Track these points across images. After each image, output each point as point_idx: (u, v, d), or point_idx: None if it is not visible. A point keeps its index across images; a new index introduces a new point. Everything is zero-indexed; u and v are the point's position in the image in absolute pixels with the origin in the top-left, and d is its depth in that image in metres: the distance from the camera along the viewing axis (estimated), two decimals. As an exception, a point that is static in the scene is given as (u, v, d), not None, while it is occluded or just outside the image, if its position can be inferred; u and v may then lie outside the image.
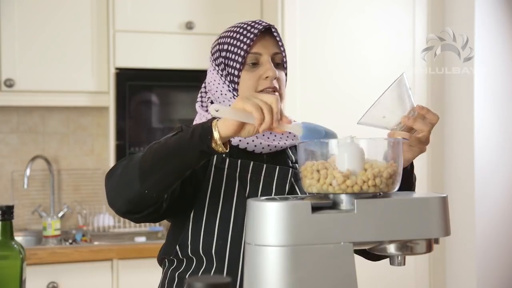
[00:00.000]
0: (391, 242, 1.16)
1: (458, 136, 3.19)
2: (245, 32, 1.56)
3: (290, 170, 1.58)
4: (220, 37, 1.61)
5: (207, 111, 1.63)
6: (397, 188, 1.19)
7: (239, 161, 1.56)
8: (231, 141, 1.53)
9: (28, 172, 3.24)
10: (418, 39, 3.22)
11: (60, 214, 3.31)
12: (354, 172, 1.14)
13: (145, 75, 3.23)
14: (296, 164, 1.61)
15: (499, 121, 3.18)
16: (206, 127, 1.31)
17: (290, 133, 1.61)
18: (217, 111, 1.28)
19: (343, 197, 1.15)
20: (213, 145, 1.30)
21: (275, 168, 1.57)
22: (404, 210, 1.15)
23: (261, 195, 1.54)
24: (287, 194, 1.56)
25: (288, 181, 1.57)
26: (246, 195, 1.54)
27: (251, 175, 1.56)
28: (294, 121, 1.64)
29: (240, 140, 1.56)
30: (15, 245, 1.42)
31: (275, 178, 1.57)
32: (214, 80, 1.61)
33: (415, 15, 3.23)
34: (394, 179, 1.17)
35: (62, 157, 3.48)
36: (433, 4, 3.25)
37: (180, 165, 1.35)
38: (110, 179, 1.42)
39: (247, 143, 1.56)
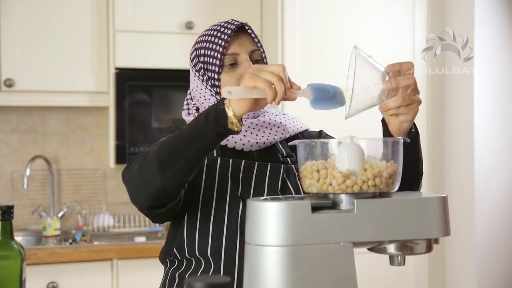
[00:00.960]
0: (391, 242, 1.16)
1: (458, 136, 3.19)
2: (219, 34, 1.55)
3: (282, 167, 1.57)
4: (196, 42, 1.60)
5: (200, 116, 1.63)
6: (397, 188, 1.19)
7: (231, 160, 1.55)
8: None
9: (28, 172, 3.24)
10: (418, 39, 3.22)
11: (60, 214, 3.31)
12: (354, 172, 1.14)
13: (145, 75, 3.23)
14: (288, 158, 1.61)
15: (499, 121, 3.18)
16: (220, 109, 1.31)
17: (279, 127, 1.61)
18: (229, 93, 1.29)
19: (343, 197, 1.15)
20: (229, 125, 1.31)
21: (266, 166, 1.56)
22: (404, 210, 1.15)
23: (254, 194, 1.54)
24: (280, 191, 1.56)
25: (280, 178, 1.56)
26: (239, 194, 1.53)
27: (243, 174, 1.55)
28: (286, 115, 1.65)
29: (227, 140, 1.55)
30: (15, 245, 1.42)
31: (267, 175, 1.56)
32: (197, 86, 1.60)
33: (415, 15, 3.23)
34: (394, 179, 1.17)
35: (62, 157, 3.48)
36: (433, 4, 3.25)
37: (198, 150, 1.35)
38: (128, 176, 1.42)
39: (235, 142, 1.56)
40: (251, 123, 1.58)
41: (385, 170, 1.15)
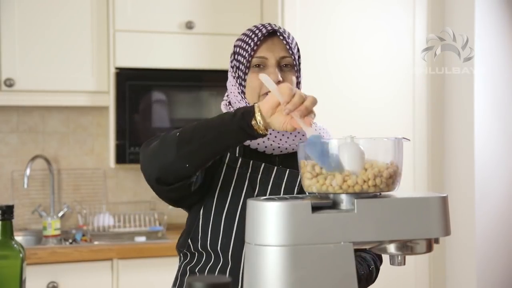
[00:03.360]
0: (391, 242, 1.16)
1: (458, 136, 3.19)
2: (252, 36, 1.60)
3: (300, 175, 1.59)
4: (236, 40, 1.66)
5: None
6: (397, 188, 1.19)
7: (251, 161, 1.59)
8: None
9: (28, 171, 3.23)
10: (418, 39, 3.22)
11: (60, 214, 3.31)
12: (354, 172, 1.14)
13: (145, 75, 3.23)
14: None
15: (499, 121, 3.18)
16: (250, 107, 1.36)
17: (303, 136, 1.63)
18: (261, 77, 1.35)
19: (343, 197, 1.15)
20: (253, 122, 1.33)
21: (285, 171, 1.60)
22: (404, 210, 1.15)
23: (270, 196, 1.57)
24: None
25: (297, 185, 1.59)
26: (255, 195, 1.57)
27: (261, 176, 1.59)
28: (315, 124, 1.64)
29: (250, 141, 1.59)
30: (15, 245, 1.42)
31: (284, 180, 1.60)
32: (230, 81, 1.66)
33: (415, 15, 3.23)
34: (394, 179, 1.17)
35: (62, 157, 3.48)
36: (433, 4, 3.25)
37: (218, 139, 1.38)
38: (146, 148, 1.47)
39: (258, 144, 1.60)
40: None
41: (385, 170, 1.15)
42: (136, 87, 3.21)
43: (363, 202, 1.13)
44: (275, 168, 1.60)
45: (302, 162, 1.22)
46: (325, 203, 1.14)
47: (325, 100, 3.14)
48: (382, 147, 1.20)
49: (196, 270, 1.60)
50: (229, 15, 3.28)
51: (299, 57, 1.64)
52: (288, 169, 1.60)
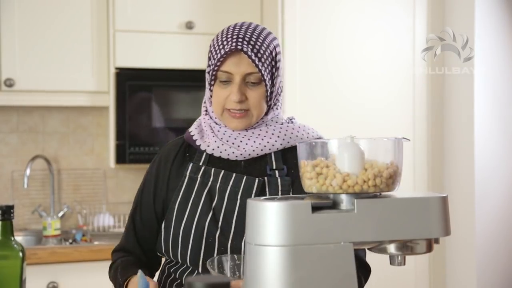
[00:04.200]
0: (391, 242, 1.16)
1: (458, 136, 3.19)
2: (220, 48, 1.52)
3: (257, 180, 1.56)
4: (212, 39, 1.59)
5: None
6: (397, 188, 1.19)
7: (213, 170, 1.58)
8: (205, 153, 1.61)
9: (28, 172, 3.24)
10: (418, 39, 3.22)
11: (60, 214, 3.31)
12: (354, 172, 1.14)
13: (145, 75, 3.23)
14: (276, 171, 1.59)
15: (499, 121, 3.18)
16: None
17: (270, 138, 1.59)
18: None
19: (343, 197, 1.15)
20: None
21: (242, 178, 1.56)
22: (404, 210, 1.15)
23: (227, 205, 1.56)
24: None
25: (253, 192, 1.56)
26: (213, 205, 1.55)
27: (220, 185, 1.57)
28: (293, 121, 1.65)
29: (213, 149, 1.57)
30: (15, 245, 1.42)
31: (241, 188, 1.56)
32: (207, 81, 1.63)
33: (415, 15, 3.23)
34: (394, 179, 1.17)
35: (62, 157, 3.48)
36: (433, 4, 3.25)
37: None
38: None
39: (221, 152, 1.57)
40: (239, 134, 1.59)
41: (385, 170, 1.15)
42: (136, 87, 3.21)
43: (363, 202, 1.13)
44: (234, 175, 1.56)
45: (302, 162, 1.22)
46: (325, 203, 1.14)
47: (325, 100, 3.15)
48: (382, 147, 1.20)
49: (172, 271, 1.62)
50: (229, 15, 3.27)
51: (273, 66, 1.55)
52: (245, 176, 1.56)
